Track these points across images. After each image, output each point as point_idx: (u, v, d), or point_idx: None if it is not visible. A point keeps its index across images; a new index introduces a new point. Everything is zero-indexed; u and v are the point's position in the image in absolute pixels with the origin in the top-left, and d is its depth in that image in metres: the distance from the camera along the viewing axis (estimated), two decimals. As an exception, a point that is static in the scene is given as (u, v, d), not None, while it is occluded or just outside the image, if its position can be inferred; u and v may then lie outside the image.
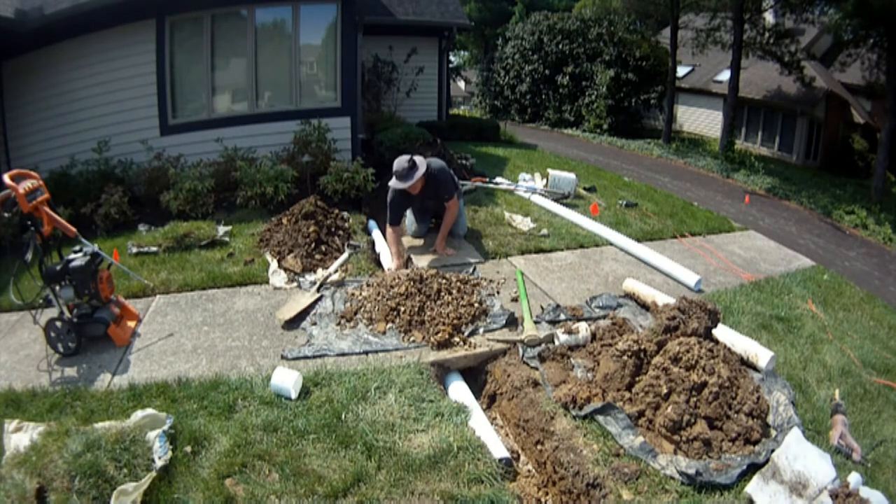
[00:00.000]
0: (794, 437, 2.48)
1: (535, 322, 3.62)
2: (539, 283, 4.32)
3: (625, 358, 2.91)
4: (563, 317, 3.72)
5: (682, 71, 19.59)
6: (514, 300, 3.96)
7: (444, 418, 2.68)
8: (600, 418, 2.69)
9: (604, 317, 3.76)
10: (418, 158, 4.48)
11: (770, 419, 2.72)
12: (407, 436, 2.56)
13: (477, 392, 3.26)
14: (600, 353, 3.19)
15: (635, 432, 2.59)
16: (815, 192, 12.52)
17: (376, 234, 5.27)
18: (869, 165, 15.86)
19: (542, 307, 3.86)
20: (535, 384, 3.04)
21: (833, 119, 17.53)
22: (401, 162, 4.41)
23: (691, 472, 2.33)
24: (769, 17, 15.82)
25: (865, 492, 2.29)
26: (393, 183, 4.44)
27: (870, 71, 13.65)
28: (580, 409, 2.74)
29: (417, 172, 4.38)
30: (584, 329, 3.38)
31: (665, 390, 2.69)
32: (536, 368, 3.15)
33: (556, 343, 3.35)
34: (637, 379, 2.90)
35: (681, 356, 2.80)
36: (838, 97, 17.31)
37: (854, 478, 2.35)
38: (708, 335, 3.13)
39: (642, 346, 2.96)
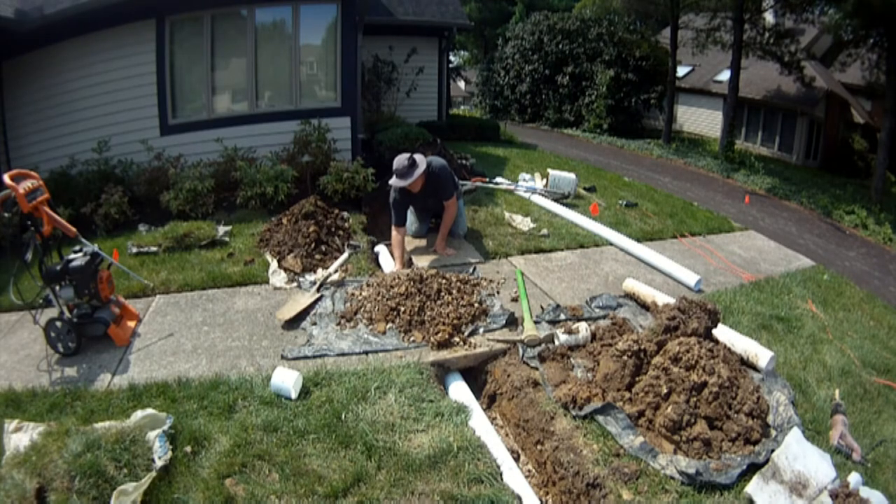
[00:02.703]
0: (794, 437, 2.48)
1: (535, 322, 3.62)
2: (539, 283, 4.32)
3: (625, 358, 2.92)
4: (563, 317, 3.72)
5: (682, 71, 19.60)
6: (514, 300, 3.96)
7: (444, 418, 2.68)
8: (600, 418, 2.69)
9: (604, 317, 3.76)
10: (418, 156, 4.48)
11: (770, 419, 2.72)
12: (407, 436, 2.56)
13: (477, 392, 3.26)
14: (600, 353, 3.19)
15: (635, 432, 2.59)
16: (815, 192, 12.52)
17: (381, 251, 5.17)
18: (869, 165, 15.86)
19: (542, 307, 3.86)
20: (535, 384, 3.05)
21: (833, 119, 17.53)
22: (401, 160, 4.39)
23: (691, 472, 2.33)
24: (769, 17, 15.83)
25: (865, 492, 2.29)
26: (393, 181, 4.43)
27: (870, 71, 13.65)
28: (580, 409, 2.74)
29: (417, 170, 4.38)
30: (584, 329, 3.38)
31: (665, 390, 2.69)
32: (536, 368, 3.15)
33: (556, 343, 3.35)
34: (637, 379, 2.90)
35: (681, 356, 2.80)
36: (838, 97, 17.31)
37: (854, 478, 2.35)
38: (708, 335, 3.13)
39: (642, 346, 2.96)
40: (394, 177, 4.41)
